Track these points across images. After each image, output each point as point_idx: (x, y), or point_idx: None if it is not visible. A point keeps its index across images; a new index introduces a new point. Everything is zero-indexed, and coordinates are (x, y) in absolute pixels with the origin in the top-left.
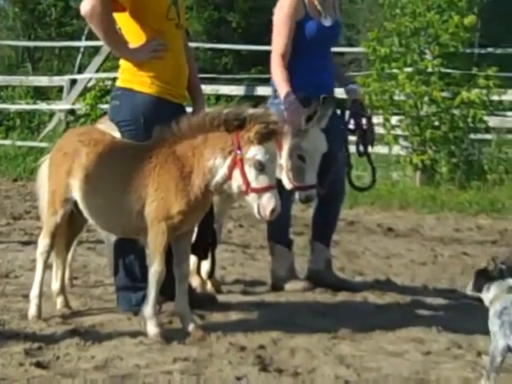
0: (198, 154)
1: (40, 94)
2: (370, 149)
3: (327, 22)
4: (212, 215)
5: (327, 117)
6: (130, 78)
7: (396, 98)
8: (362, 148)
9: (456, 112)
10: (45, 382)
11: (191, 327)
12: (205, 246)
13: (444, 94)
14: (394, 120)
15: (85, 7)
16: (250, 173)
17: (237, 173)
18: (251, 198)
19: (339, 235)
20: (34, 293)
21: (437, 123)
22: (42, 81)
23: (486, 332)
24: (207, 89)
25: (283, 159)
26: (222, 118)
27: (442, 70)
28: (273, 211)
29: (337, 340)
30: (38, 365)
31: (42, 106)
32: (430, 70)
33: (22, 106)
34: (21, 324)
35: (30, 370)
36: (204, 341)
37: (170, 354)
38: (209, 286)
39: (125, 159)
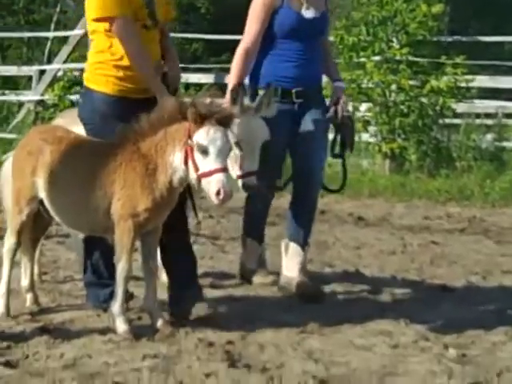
0: (160, 150)
1: (9, 82)
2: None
3: (309, 14)
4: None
5: (268, 106)
6: (90, 76)
7: (364, 86)
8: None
9: (425, 100)
10: (13, 382)
11: (160, 323)
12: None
13: (412, 83)
14: (363, 107)
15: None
16: (197, 158)
17: (190, 163)
18: (204, 184)
19: None
20: (1, 291)
21: (406, 111)
22: (11, 70)
23: (452, 324)
24: None
25: None
26: (178, 108)
27: (410, 58)
28: (218, 194)
29: (305, 334)
30: (7, 364)
31: (11, 96)
32: (398, 58)
33: None
34: None
35: None
36: (173, 337)
37: (139, 351)
38: None
39: (90, 157)
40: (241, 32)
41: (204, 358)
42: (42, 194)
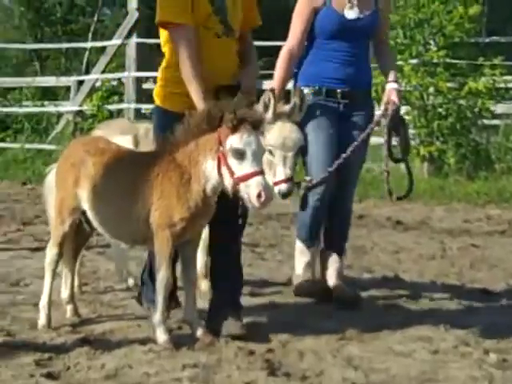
0: (193, 160)
1: (48, 92)
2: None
3: (351, 14)
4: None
5: (301, 110)
6: (156, 92)
7: (402, 89)
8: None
9: (463, 102)
10: None
11: (200, 333)
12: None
13: (450, 85)
14: (401, 111)
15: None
16: (232, 164)
17: (224, 169)
18: (241, 189)
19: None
20: (42, 302)
21: (444, 114)
22: (49, 81)
23: (493, 329)
24: None
25: None
26: (205, 118)
27: (448, 60)
28: (259, 196)
29: (344, 341)
30: (49, 376)
31: (50, 108)
32: (435, 60)
33: (30, 108)
34: (31, 334)
35: (41, 381)
36: (213, 346)
37: (179, 360)
38: None
39: (130, 168)
40: (278, 38)
41: (244, 367)
42: (85, 205)
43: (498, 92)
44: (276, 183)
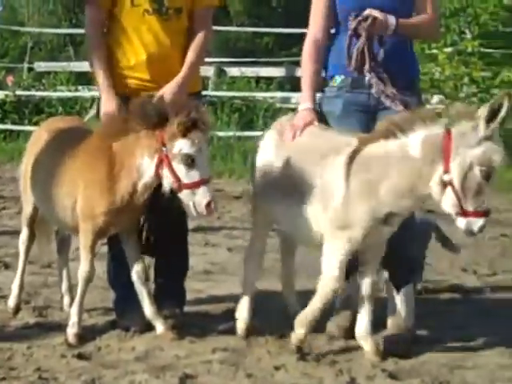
0: (130, 152)
1: (82, 77)
2: None
3: None
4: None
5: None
6: None
7: (436, 77)
8: None
9: (496, 92)
10: (86, 374)
11: (160, 330)
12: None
13: (484, 74)
14: (434, 100)
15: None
16: (180, 169)
17: (166, 171)
18: (184, 195)
19: None
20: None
21: (477, 103)
22: (83, 66)
23: None
24: (248, 71)
25: (454, 175)
26: (142, 114)
27: (482, 50)
28: (208, 205)
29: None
30: (80, 356)
31: (84, 92)
32: (469, 50)
33: (64, 93)
34: (62, 315)
35: (72, 361)
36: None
37: (209, 343)
38: None
39: (67, 152)
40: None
41: (274, 351)
42: (30, 181)
43: None
44: (467, 214)
